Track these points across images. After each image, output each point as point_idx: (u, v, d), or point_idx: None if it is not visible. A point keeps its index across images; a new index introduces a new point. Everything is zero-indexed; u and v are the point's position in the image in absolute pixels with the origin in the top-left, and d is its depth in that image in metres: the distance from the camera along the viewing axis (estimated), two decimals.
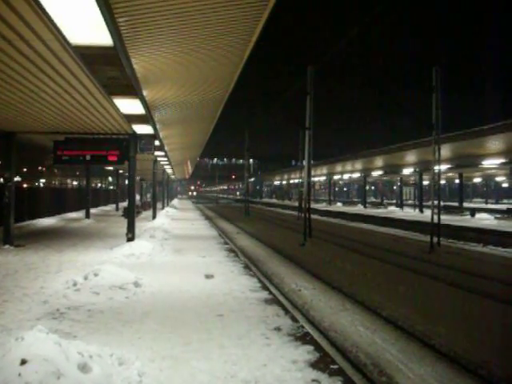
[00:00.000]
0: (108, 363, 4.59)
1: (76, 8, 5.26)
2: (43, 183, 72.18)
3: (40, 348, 3.93)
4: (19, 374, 3.62)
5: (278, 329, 6.72)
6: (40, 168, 68.17)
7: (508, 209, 41.86)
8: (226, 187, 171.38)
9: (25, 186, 54.00)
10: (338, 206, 57.59)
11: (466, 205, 47.88)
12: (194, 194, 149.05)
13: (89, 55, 6.93)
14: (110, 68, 7.62)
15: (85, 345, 4.62)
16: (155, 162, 28.91)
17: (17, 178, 62.42)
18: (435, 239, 18.80)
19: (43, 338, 4.13)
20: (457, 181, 53.73)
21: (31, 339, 4.03)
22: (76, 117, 13.40)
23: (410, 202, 66.70)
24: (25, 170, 61.58)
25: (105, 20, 5.56)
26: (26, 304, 7.92)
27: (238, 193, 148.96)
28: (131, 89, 9.21)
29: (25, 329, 5.31)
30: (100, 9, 5.26)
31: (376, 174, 51.32)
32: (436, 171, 20.09)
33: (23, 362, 3.73)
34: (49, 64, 8.37)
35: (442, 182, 64.09)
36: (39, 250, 14.72)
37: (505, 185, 79.55)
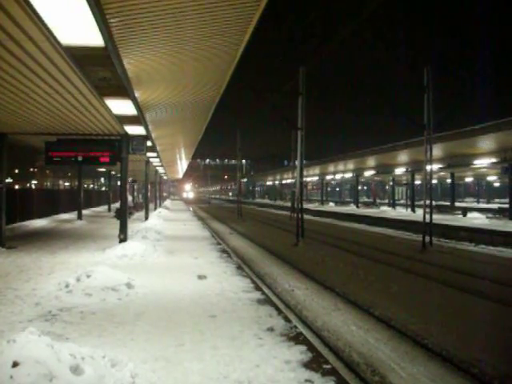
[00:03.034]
0: (100, 365, 4.57)
1: (67, 9, 5.24)
2: (35, 184, 71.88)
3: (32, 350, 3.92)
4: (11, 377, 3.61)
5: (270, 329, 6.72)
6: (32, 169, 67.96)
7: (499, 208, 42.06)
8: (218, 188, 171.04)
9: (16, 187, 53.80)
10: (331, 206, 57.72)
11: (457, 204, 48.16)
12: (190, 196, 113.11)
13: (80, 56, 6.91)
14: (101, 69, 7.61)
15: (77, 347, 4.60)
16: (147, 162, 28.85)
17: (8, 180, 62.15)
18: (427, 238, 18.88)
19: (35, 340, 4.11)
20: (449, 180, 53.97)
21: (23, 341, 4.01)
22: (67, 118, 13.35)
23: (402, 201, 66.95)
24: (16, 171, 61.31)
25: (96, 21, 5.55)
26: (17, 306, 7.88)
27: (230, 193, 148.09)
28: (123, 90, 9.20)
29: (17, 331, 5.29)
30: (91, 10, 5.24)
31: (368, 173, 51.47)
32: (428, 171, 20.17)
33: (15, 364, 3.71)
34: (40, 65, 8.34)
35: (434, 181, 64.36)
36: (31, 251, 14.64)
37: (496, 184, 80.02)
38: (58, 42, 6.26)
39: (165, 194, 79.52)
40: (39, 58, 7.90)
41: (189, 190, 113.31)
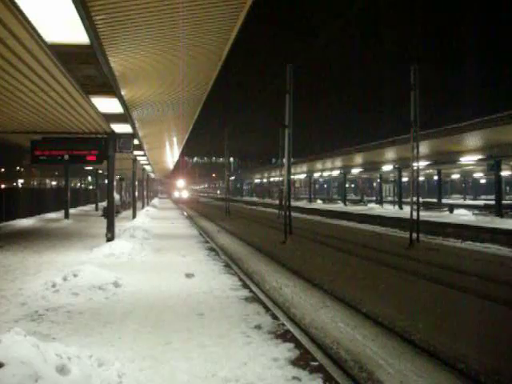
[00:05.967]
0: (87, 364, 4.55)
1: (51, 6, 5.19)
2: (21, 183, 71.31)
3: (17, 351, 3.88)
4: None
5: (258, 327, 6.72)
6: (18, 168, 67.45)
7: (485, 205, 42.41)
8: (206, 186, 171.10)
9: (2, 186, 53.32)
10: (319, 204, 57.81)
11: (444, 201, 48.43)
12: (184, 195, 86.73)
13: (65, 53, 6.86)
14: (86, 66, 7.55)
15: (63, 346, 4.57)
16: (134, 161, 28.74)
17: None
18: (414, 235, 18.98)
19: (21, 340, 4.08)
20: (435, 177, 54.35)
21: (8, 342, 3.97)
22: (53, 116, 13.26)
23: (389, 198, 67.33)
24: (2, 170, 60.78)
25: (81, 18, 5.50)
26: (3, 306, 7.81)
27: (218, 191, 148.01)
28: (109, 87, 9.14)
29: (2, 331, 5.23)
30: (76, 6, 5.20)
31: (356, 171, 51.64)
32: (415, 168, 20.27)
33: (0, 365, 3.67)
34: (24, 63, 8.27)
35: (421, 178, 64.76)
36: (18, 251, 14.53)
37: (482, 181, 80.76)
38: (43, 40, 6.21)
39: (151, 193, 78.49)
40: (24, 55, 7.84)
41: (182, 188, 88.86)
